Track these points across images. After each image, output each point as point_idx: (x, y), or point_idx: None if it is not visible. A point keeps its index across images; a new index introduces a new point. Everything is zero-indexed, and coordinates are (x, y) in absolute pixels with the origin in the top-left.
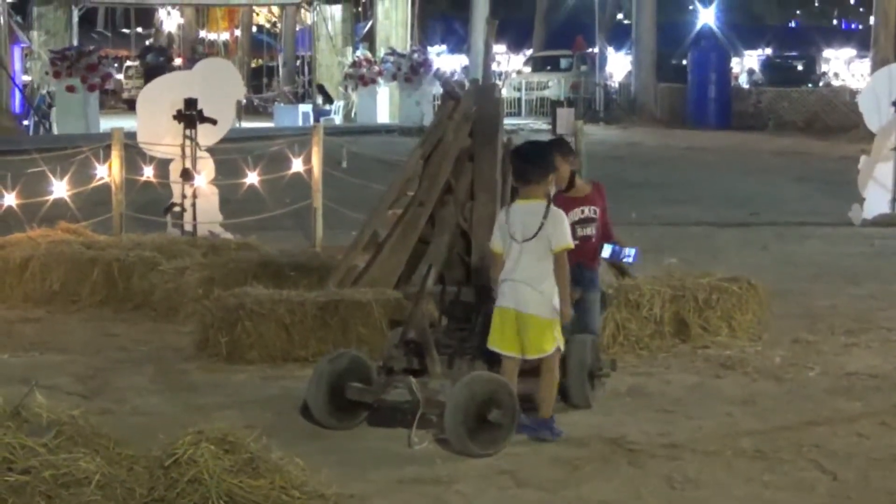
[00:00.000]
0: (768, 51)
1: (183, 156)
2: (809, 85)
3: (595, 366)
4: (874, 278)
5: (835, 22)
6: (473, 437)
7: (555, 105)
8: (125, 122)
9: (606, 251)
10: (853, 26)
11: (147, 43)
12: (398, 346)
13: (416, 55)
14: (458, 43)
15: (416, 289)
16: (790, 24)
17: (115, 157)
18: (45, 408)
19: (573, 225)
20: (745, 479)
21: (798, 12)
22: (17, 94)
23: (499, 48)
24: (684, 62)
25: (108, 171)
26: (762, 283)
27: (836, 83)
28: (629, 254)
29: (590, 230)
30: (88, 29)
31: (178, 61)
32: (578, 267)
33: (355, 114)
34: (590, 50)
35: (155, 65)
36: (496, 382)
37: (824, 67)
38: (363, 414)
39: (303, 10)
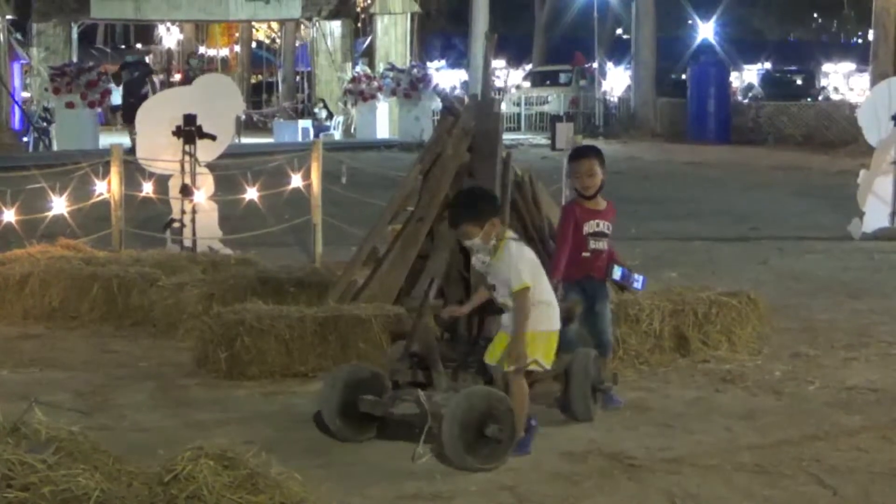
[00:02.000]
0: (767, 65)
1: (182, 171)
2: (809, 99)
3: (597, 379)
4: (874, 293)
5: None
6: (472, 451)
7: (554, 120)
8: (124, 139)
9: (617, 273)
10: (853, 41)
11: (128, 58)
12: (402, 359)
13: (415, 70)
14: (458, 58)
15: (418, 302)
16: (789, 39)
17: (115, 172)
18: (45, 424)
19: (587, 236)
20: (745, 493)
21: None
22: (17, 111)
23: (498, 63)
24: (684, 77)
25: (108, 187)
26: (762, 297)
27: (835, 97)
28: (637, 279)
29: (602, 244)
30: (88, 45)
31: (176, 77)
32: (588, 278)
33: (355, 129)
34: (589, 65)
35: (130, 80)
36: (494, 397)
37: (823, 82)
38: (373, 429)
39: (302, 26)
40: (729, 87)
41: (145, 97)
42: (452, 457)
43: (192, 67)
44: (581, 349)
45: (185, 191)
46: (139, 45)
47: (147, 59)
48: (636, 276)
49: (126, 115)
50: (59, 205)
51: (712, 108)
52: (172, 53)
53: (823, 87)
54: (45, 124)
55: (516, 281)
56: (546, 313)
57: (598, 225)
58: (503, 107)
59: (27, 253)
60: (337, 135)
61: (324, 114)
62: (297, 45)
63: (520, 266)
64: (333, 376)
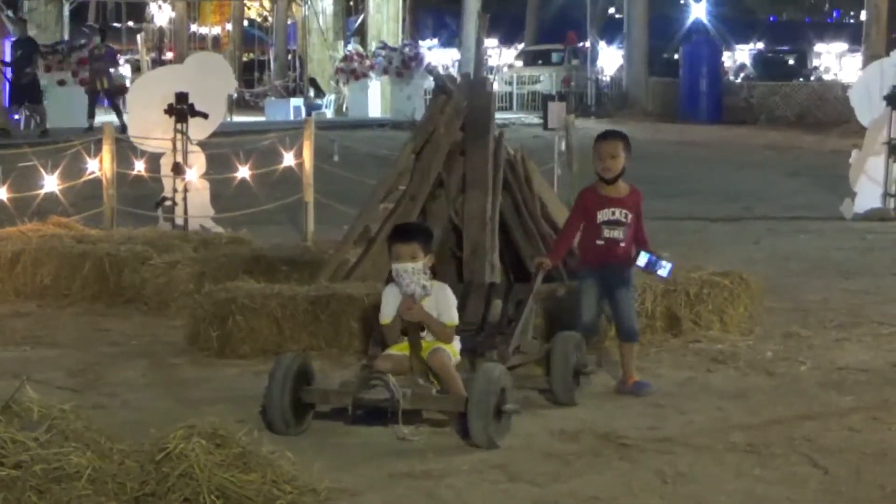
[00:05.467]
0: (760, 45)
1: (174, 150)
2: (801, 79)
3: (580, 363)
4: (866, 272)
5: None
6: (494, 427)
7: (546, 99)
8: (114, 117)
9: (643, 260)
10: (845, 21)
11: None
12: (377, 344)
13: (407, 49)
14: (450, 37)
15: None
16: (782, 18)
17: (106, 151)
18: (37, 402)
19: (600, 225)
20: (736, 473)
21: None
22: (8, 88)
23: (490, 42)
24: (676, 56)
25: (99, 166)
26: (754, 277)
27: (827, 77)
28: (664, 266)
29: (618, 233)
30: (79, 23)
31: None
32: (607, 265)
33: (347, 108)
34: (581, 44)
35: (16, 59)
36: (505, 373)
37: (815, 62)
38: (309, 419)
39: (294, 4)
40: (721, 67)
41: (30, 76)
42: (479, 435)
43: (98, 45)
44: (563, 333)
45: (177, 169)
46: (130, 23)
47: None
48: (663, 262)
49: (10, 97)
50: (51, 183)
51: (704, 88)
52: (164, 31)
53: (815, 68)
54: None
55: (452, 317)
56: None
57: (612, 213)
58: (495, 86)
59: (19, 231)
60: (329, 113)
61: (312, 92)
62: (289, 23)
63: (451, 307)
64: (283, 373)
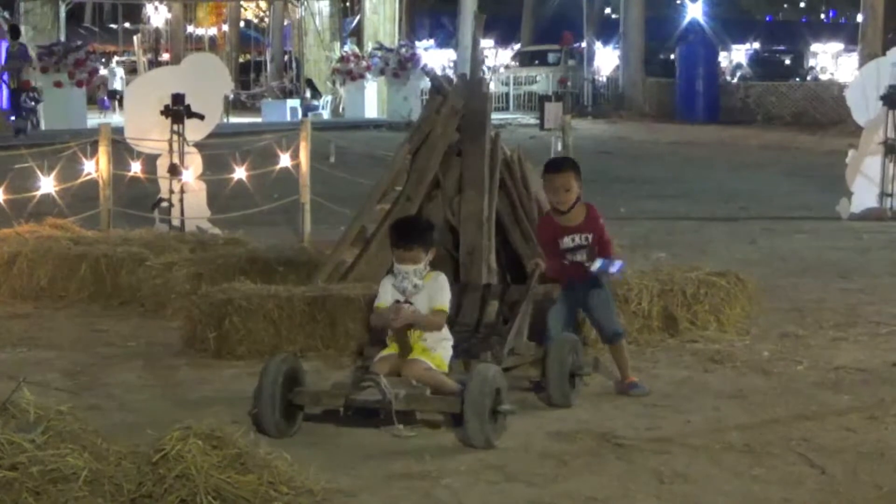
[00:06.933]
0: (756, 45)
1: (170, 151)
2: (797, 79)
3: (575, 365)
4: (862, 272)
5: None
6: (490, 427)
7: (543, 99)
8: (111, 118)
9: (596, 265)
10: (841, 21)
11: None
12: (375, 345)
13: (403, 50)
14: (447, 38)
15: None
16: (778, 19)
17: (103, 152)
18: (33, 404)
19: (564, 251)
20: (733, 473)
21: (785, 6)
22: (4, 90)
23: (487, 43)
24: (672, 57)
25: (96, 167)
26: (750, 277)
27: (823, 77)
28: (614, 263)
29: (581, 256)
30: (76, 24)
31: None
32: (574, 281)
33: (343, 109)
34: (577, 44)
35: None
36: (500, 374)
37: (812, 62)
38: (300, 419)
39: (291, 5)
40: (717, 67)
41: None
42: (475, 436)
43: (12, 43)
44: (559, 336)
45: (174, 170)
46: (127, 24)
47: None
48: (615, 262)
49: None
50: (47, 184)
51: (701, 88)
52: (161, 32)
53: (812, 68)
54: (32, 104)
55: (443, 301)
56: (448, 349)
57: (573, 240)
58: (492, 86)
59: (15, 232)
60: (325, 114)
61: (308, 93)
62: (285, 24)
63: (443, 292)
64: (273, 375)
